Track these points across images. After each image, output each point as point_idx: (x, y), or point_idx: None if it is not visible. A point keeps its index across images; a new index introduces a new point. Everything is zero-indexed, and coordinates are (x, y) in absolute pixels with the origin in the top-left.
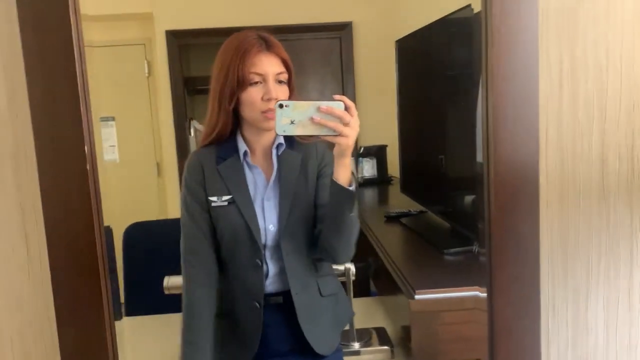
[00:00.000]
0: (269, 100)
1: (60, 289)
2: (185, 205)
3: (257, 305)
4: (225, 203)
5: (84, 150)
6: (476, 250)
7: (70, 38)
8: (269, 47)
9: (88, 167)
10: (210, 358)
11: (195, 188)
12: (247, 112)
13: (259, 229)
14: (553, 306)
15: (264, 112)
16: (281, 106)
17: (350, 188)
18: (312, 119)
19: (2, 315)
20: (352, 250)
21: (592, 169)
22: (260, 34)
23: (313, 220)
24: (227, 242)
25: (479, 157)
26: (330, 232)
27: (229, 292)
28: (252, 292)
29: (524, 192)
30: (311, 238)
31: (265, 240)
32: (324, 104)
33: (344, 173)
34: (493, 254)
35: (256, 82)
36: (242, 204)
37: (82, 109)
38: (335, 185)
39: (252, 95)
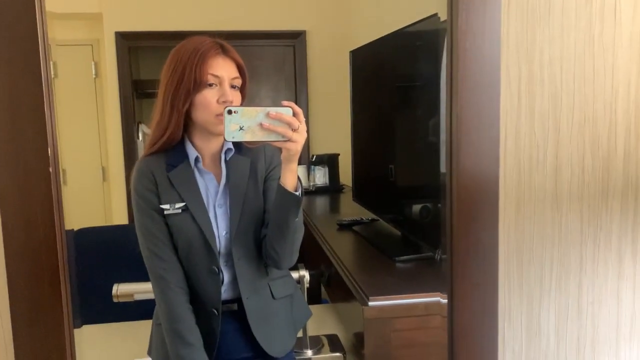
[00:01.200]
0: (224, 102)
1: (17, 295)
2: (140, 212)
3: (215, 312)
4: (179, 211)
5: (47, 152)
6: (439, 257)
7: (35, 36)
8: (225, 52)
9: (51, 170)
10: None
11: (147, 195)
12: (200, 115)
13: (214, 236)
14: (508, 311)
15: (218, 115)
16: (230, 112)
17: (297, 193)
18: (261, 125)
19: None
20: (295, 256)
21: (546, 179)
22: (216, 39)
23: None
24: (182, 250)
25: (442, 168)
26: (274, 237)
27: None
28: (209, 299)
29: (485, 201)
30: (261, 242)
31: (220, 247)
32: (273, 110)
33: (290, 178)
34: (454, 261)
35: (212, 85)
36: (196, 211)
37: (47, 110)
38: (281, 190)
39: (207, 98)
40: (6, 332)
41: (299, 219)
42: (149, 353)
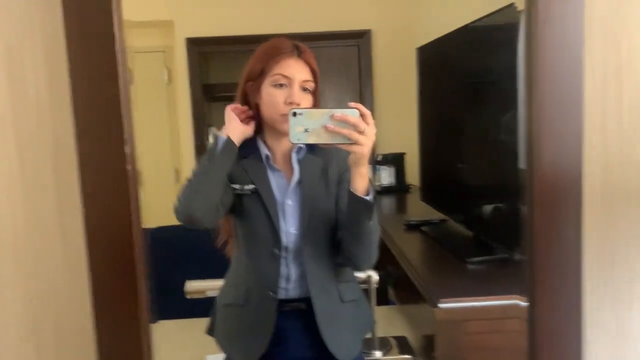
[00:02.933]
0: (290, 104)
1: (98, 290)
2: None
3: (272, 294)
4: (249, 192)
5: (124, 151)
6: (516, 257)
7: (113, 42)
8: (300, 54)
9: (128, 168)
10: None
11: None
12: (267, 113)
13: (278, 221)
14: (594, 315)
15: (284, 114)
16: (295, 114)
17: (367, 198)
18: (326, 127)
19: (39, 312)
20: (373, 257)
21: (635, 174)
22: (294, 41)
23: (335, 225)
24: (247, 231)
25: (519, 165)
26: (349, 240)
27: (244, 282)
28: (268, 282)
29: (568, 197)
30: (332, 243)
31: (287, 243)
32: (338, 112)
33: (360, 182)
34: (535, 262)
35: (282, 85)
36: (266, 196)
37: (124, 110)
38: (351, 195)
39: (276, 97)
40: (89, 329)
41: (373, 221)
42: (209, 332)
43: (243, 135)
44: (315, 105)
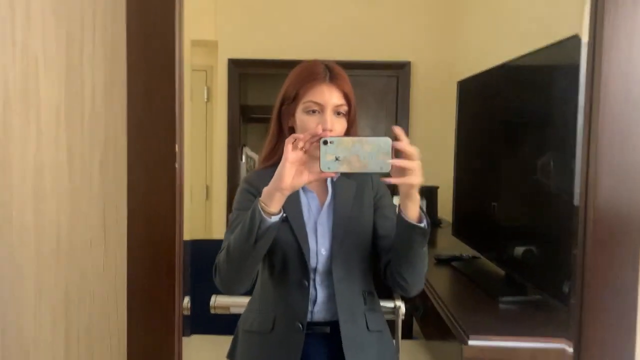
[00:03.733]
0: (323, 130)
1: (134, 292)
2: (241, 204)
3: (300, 326)
4: (283, 214)
5: (175, 149)
6: (567, 290)
7: (173, 59)
8: (332, 78)
9: (177, 165)
10: None
11: (254, 195)
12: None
13: (309, 250)
14: None
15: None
16: (325, 142)
17: (422, 225)
18: (357, 156)
19: (73, 314)
20: (422, 282)
21: None
22: (328, 63)
23: (367, 250)
24: (275, 259)
25: (576, 201)
26: (401, 267)
27: (271, 310)
28: (296, 313)
29: (625, 238)
30: (364, 267)
31: (316, 264)
32: (370, 140)
33: (411, 208)
34: (586, 305)
35: (314, 111)
36: (295, 223)
37: (178, 110)
38: (402, 222)
39: (307, 124)
40: (121, 333)
41: (426, 247)
42: (230, 356)
43: (292, 190)
44: (352, 127)
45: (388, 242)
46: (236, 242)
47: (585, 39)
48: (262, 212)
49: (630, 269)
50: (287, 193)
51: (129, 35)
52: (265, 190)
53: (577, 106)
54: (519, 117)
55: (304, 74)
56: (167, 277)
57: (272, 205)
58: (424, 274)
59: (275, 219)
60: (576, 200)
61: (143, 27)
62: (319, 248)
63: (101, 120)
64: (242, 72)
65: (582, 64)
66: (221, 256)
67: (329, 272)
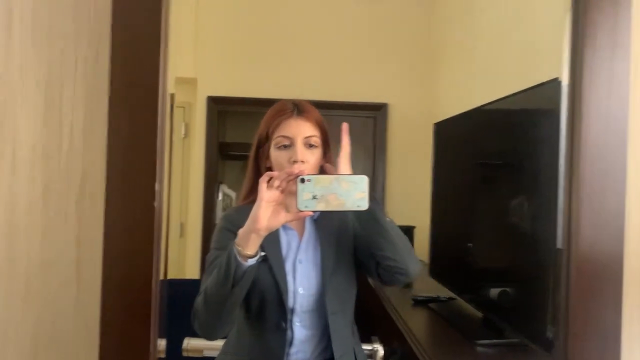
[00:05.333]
0: (294, 162)
1: (108, 334)
2: (219, 243)
3: None
4: (261, 254)
5: (154, 188)
6: (550, 336)
7: (156, 96)
8: (299, 112)
9: (156, 204)
10: None
11: (233, 233)
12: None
13: (287, 291)
14: None
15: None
16: (303, 181)
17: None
18: (335, 195)
19: (40, 353)
20: (414, 259)
21: None
22: (295, 100)
23: (354, 279)
24: (252, 298)
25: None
26: (383, 249)
27: (246, 354)
28: (272, 356)
29: (608, 278)
30: (352, 298)
31: (294, 304)
32: (347, 178)
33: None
34: (570, 347)
35: (286, 146)
36: (275, 263)
37: (159, 148)
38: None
39: (279, 159)
40: None
41: (388, 218)
42: None
43: (269, 231)
44: (326, 156)
45: (364, 240)
46: (213, 287)
47: (565, 81)
48: (237, 257)
49: (613, 312)
50: (264, 234)
51: (112, 72)
52: (240, 232)
53: (555, 149)
54: (495, 159)
55: (273, 113)
56: (142, 318)
57: (248, 247)
58: (409, 249)
59: (251, 262)
60: (558, 243)
61: (127, 64)
62: (296, 287)
63: (79, 157)
64: (221, 109)
65: (563, 108)
66: (199, 301)
67: (309, 312)
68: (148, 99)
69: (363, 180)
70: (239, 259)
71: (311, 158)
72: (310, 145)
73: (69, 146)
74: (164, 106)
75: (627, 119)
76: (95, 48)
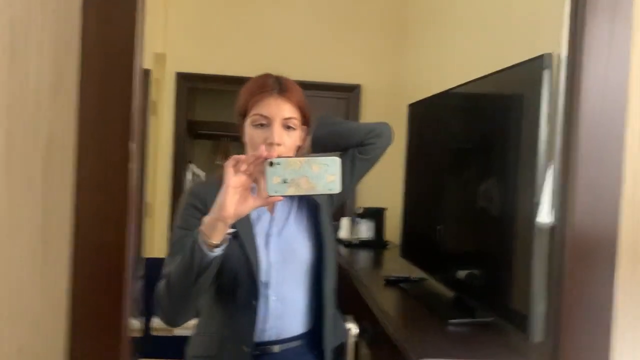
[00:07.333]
0: (270, 144)
1: (78, 308)
2: (185, 221)
3: (245, 349)
4: (228, 236)
5: (129, 149)
6: (496, 321)
7: (132, 46)
8: (282, 91)
9: (131, 166)
10: None
11: (200, 210)
12: (250, 153)
13: (259, 266)
14: None
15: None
16: (271, 164)
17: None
18: (306, 178)
19: (2, 328)
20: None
21: None
22: (279, 76)
23: (335, 246)
24: (222, 276)
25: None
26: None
27: (216, 332)
28: (242, 335)
29: (601, 253)
30: (334, 270)
31: (268, 278)
32: (319, 160)
33: None
34: (562, 323)
35: (262, 125)
36: (246, 238)
37: (134, 107)
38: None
39: (254, 138)
40: (58, 354)
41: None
42: None
43: (237, 219)
44: (304, 142)
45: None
46: (176, 276)
47: (563, 53)
48: (202, 248)
49: (605, 287)
50: (231, 222)
51: (84, 25)
52: (206, 220)
53: (534, 131)
54: (468, 141)
55: (253, 87)
56: (115, 291)
57: (214, 236)
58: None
59: (218, 251)
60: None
61: (100, 17)
62: (270, 260)
63: (46, 114)
64: (191, 86)
65: (544, 87)
66: (161, 287)
67: (285, 283)
68: (123, 54)
69: (335, 162)
70: (204, 249)
71: (288, 140)
72: (288, 127)
73: (35, 102)
74: (139, 61)
75: (626, 90)
76: None
